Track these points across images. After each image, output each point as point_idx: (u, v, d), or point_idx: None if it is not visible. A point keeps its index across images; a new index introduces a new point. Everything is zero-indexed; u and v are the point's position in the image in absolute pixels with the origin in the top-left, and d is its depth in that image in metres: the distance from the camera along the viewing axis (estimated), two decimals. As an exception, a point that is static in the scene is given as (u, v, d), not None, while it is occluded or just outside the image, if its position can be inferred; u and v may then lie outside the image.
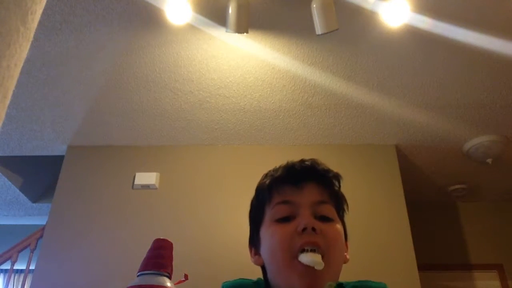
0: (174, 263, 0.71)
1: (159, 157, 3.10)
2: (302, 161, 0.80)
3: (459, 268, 3.59)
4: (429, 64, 2.41)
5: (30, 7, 0.43)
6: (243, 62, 2.42)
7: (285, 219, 0.73)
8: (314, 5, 1.91)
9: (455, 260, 3.63)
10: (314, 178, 0.78)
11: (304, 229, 0.69)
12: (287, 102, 2.72)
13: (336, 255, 0.72)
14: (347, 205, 0.82)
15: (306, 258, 0.66)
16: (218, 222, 2.82)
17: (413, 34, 2.19)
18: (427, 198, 3.79)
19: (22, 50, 0.43)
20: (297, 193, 0.75)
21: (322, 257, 0.67)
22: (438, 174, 3.45)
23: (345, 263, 0.76)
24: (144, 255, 0.71)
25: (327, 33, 1.93)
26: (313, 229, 0.69)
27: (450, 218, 3.83)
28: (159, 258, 0.69)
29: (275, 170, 0.81)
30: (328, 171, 0.80)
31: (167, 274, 0.68)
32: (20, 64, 0.44)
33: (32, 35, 0.45)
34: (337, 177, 0.81)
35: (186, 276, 0.75)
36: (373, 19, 2.12)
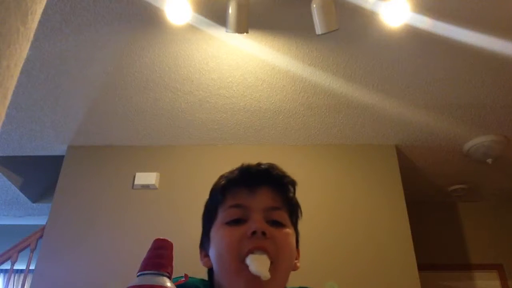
0: (174, 263, 0.71)
1: (159, 157, 3.10)
2: (259, 164, 0.79)
3: (459, 268, 3.59)
4: (429, 64, 2.41)
5: (30, 7, 0.43)
6: (243, 62, 2.42)
7: (236, 222, 0.72)
8: (314, 5, 1.91)
9: (455, 260, 3.63)
10: (269, 183, 0.77)
11: (253, 233, 0.69)
12: (287, 102, 2.72)
13: (285, 261, 0.71)
14: (301, 212, 0.81)
15: (253, 266, 0.66)
16: (218, 222, 2.82)
17: (413, 34, 2.19)
18: (427, 198, 3.79)
19: (22, 50, 0.43)
20: (250, 196, 0.75)
21: (271, 263, 0.67)
22: (438, 174, 3.45)
23: (294, 270, 0.75)
24: (144, 255, 0.71)
25: (327, 33, 1.93)
26: (263, 233, 0.69)
27: (450, 218, 3.83)
28: (159, 258, 0.69)
29: (231, 172, 0.80)
30: (283, 176, 0.79)
31: (167, 274, 0.68)
32: (20, 64, 0.44)
33: (32, 35, 0.45)
34: (293, 183, 0.80)
35: (186, 276, 0.75)
36: (373, 19, 2.12)
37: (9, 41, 0.40)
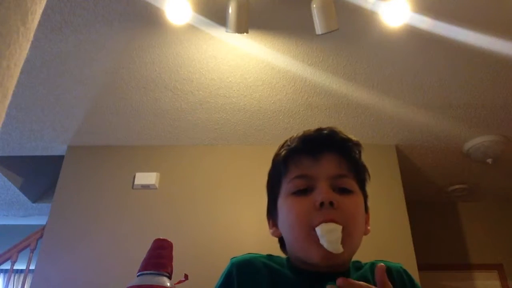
0: (174, 263, 0.71)
1: (159, 157, 3.10)
2: (319, 130, 0.77)
3: (459, 268, 3.59)
4: (429, 64, 2.41)
5: (30, 7, 0.43)
6: (243, 62, 2.42)
7: (302, 192, 0.71)
8: (314, 5, 1.91)
9: (455, 260, 3.63)
10: (333, 148, 0.74)
11: (321, 204, 0.67)
12: (287, 102, 2.72)
13: (356, 228, 0.70)
14: (369, 175, 0.80)
15: (324, 242, 0.65)
16: (218, 222, 2.82)
17: (413, 34, 2.19)
18: (427, 198, 3.79)
19: (22, 50, 0.43)
20: (314, 165, 0.72)
21: (343, 229, 0.66)
22: (438, 174, 3.45)
23: (365, 234, 0.75)
24: (144, 255, 0.71)
25: (327, 33, 1.93)
26: (331, 203, 0.67)
27: (450, 218, 3.83)
28: (159, 258, 0.69)
29: (291, 140, 0.78)
30: (347, 140, 0.76)
31: (167, 274, 0.68)
32: (20, 64, 0.44)
33: (32, 35, 0.45)
34: (358, 145, 0.77)
35: (186, 276, 0.75)
36: (373, 19, 2.12)
37: (9, 41, 0.40)
